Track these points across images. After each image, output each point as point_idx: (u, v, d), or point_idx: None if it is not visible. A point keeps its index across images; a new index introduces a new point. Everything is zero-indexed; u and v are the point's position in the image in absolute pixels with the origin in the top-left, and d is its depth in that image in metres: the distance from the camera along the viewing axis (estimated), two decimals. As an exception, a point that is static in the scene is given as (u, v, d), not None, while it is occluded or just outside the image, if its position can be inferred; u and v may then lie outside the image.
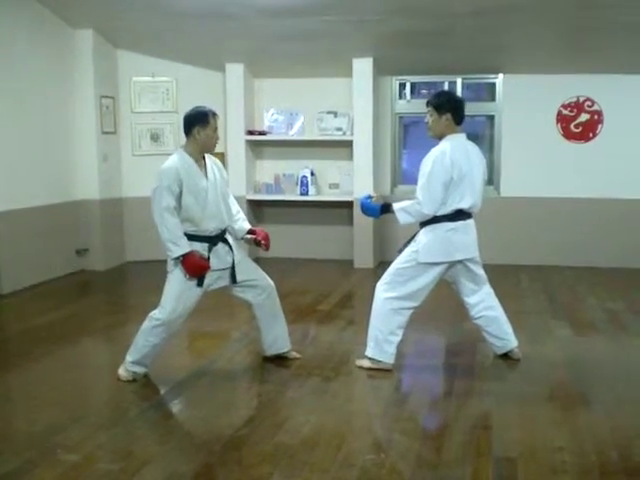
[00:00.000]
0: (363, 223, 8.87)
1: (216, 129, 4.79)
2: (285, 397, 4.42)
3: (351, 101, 8.91)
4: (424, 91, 9.76)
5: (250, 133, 9.26)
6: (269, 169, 9.54)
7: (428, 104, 4.90)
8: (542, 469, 3.45)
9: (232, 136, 9.23)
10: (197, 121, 4.69)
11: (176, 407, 4.34)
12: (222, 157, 9.38)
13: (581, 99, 8.90)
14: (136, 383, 4.66)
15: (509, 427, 3.98)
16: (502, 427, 3.97)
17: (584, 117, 8.91)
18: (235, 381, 4.84)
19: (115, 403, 4.43)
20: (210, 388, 4.61)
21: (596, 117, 8.89)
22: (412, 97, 9.48)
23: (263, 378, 4.85)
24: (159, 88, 9.21)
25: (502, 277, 8.35)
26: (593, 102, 8.88)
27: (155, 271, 8.76)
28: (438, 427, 4.02)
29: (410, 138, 9.97)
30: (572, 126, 8.94)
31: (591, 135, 8.94)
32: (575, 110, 8.92)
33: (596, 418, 4.11)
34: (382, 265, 9.11)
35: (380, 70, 9.04)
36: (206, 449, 3.64)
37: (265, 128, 9.40)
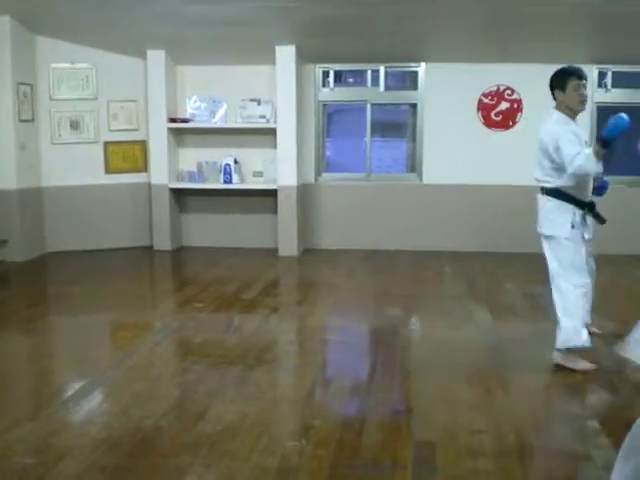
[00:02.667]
0: (287, 211, 8.89)
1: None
2: (206, 387, 4.38)
3: (274, 89, 8.87)
4: (350, 80, 9.80)
5: (172, 121, 9.14)
6: (192, 157, 9.42)
7: (583, 78, 4.73)
8: (461, 452, 3.49)
9: (154, 124, 9.10)
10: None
11: (95, 399, 4.25)
12: (144, 145, 9.28)
13: (501, 88, 9.06)
14: (54, 376, 4.56)
15: (430, 411, 4.02)
16: (423, 411, 4.02)
17: (504, 105, 9.08)
18: (156, 372, 4.76)
19: (33, 396, 4.33)
20: (130, 379, 4.53)
21: (516, 105, 9.06)
22: (335, 85, 9.49)
23: (184, 368, 4.80)
24: (79, 75, 8.97)
25: (424, 263, 8.49)
26: (513, 91, 9.05)
27: (76, 262, 8.67)
28: (359, 412, 4.03)
29: (334, 126, 10.00)
30: (492, 114, 9.09)
31: (511, 123, 9.11)
32: (495, 99, 9.08)
33: (515, 401, 4.19)
34: (306, 253, 9.15)
35: (303, 58, 9.03)
36: (126, 440, 3.57)
37: (188, 116, 9.29)
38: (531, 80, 8.95)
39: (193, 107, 9.30)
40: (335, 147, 10.10)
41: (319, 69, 9.38)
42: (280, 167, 8.89)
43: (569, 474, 3.29)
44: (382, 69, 9.26)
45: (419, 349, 5.21)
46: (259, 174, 9.33)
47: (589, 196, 4.84)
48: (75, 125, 8.98)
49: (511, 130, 9.12)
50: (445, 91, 9.11)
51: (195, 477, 3.20)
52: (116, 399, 4.23)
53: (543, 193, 4.91)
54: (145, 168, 9.36)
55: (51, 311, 6.52)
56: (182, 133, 9.44)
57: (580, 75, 4.69)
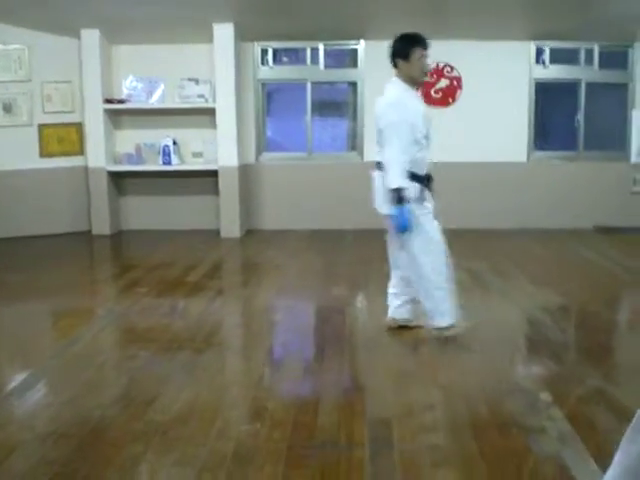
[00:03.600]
0: (229, 192, 8.79)
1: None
2: (155, 373, 4.29)
3: (213, 68, 8.73)
4: (285, 59, 9.70)
5: (108, 102, 8.94)
6: (129, 139, 9.24)
7: (426, 46, 4.62)
8: (415, 427, 3.49)
9: (90, 105, 8.89)
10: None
11: (40, 391, 4.10)
12: (80, 127, 9.04)
13: (440, 65, 9.08)
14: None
15: (382, 388, 4.01)
16: (375, 388, 4.01)
17: (444, 83, 9.12)
18: (101, 360, 4.64)
19: (-28, 389, 4.17)
20: (75, 368, 4.39)
21: (455, 83, 9.10)
22: (275, 63, 9.39)
23: (131, 354, 4.68)
24: (10, 56, 8.68)
25: (366, 240, 8.48)
26: (452, 68, 9.09)
27: (12, 249, 8.42)
28: (312, 392, 4.00)
29: (274, 105, 9.90)
30: (432, 92, 9.11)
31: (450, 100, 9.16)
32: (435, 76, 9.09)
33: (465, 375, 4.20)
34: (249, 234, 9.07)
35: (242, 36, 8.90)
36: (74, 432, 3.46)
37: (124, 96, 9.09)
38: (470, 57, 9.03)
39: (129, 87, 9.11)
40: (275, 126, 9.99)
41: (258, 47, 9.27)
42: (220, 147, 8.78)
43: (525, 446, 3.30)
44: (321, 47, 9.20)
45: (366, 327, 5.19)
46: (199, 155, 9.20)
47: (426, 169, 4.67)
48: (8, 108, 8.68)
49: (451, 107, 9.17)
50: (385, 69, 8.89)
51: (148, 465, 3.13)
52: (61, 389, 4.09)
53: (379, 169, 4.66)
54: (81, 151, 9.14)
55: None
56: (119, 114, 9.24)
57: (425, 45, 4.58)
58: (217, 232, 8.92)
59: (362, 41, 9.11)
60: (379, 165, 4.64)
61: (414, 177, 4.54)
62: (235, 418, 3.64)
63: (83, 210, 9.20)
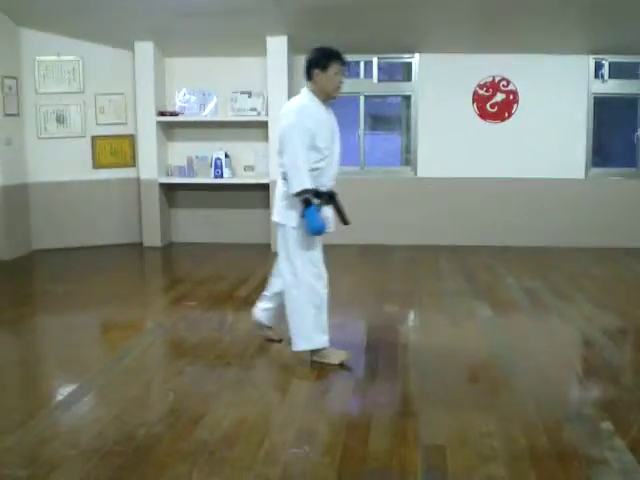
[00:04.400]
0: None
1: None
2: (202, 390, 4.21)
3: (266, 81, 8.69)
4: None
5: (161, 114, 8.95)
6: (181, 151, 9.23)
7: (345, 64, 4.58)
8: (471, 456, 3.34)
9: (142, 117, 8.91)
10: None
11: (86, 406, 4.05)
12: (132, 139, 9.08)
13: (497, 79, 8.91)
14: (42, 381, 4.38)
15: (435, 413, 3.86)
16: (428, 413, 3.86)
17: (500, 97, 8.93)
18: (149, 375, 4.58)
19: (21, 403, 4.12)
20: (122, 383, 4.34)
21: (511, 97, 8.92)
22: (328, 77, 9.30)
23: (179, 370, 4.60)
24: (65, 68, 8.76)
25: (421, 258, 8.34)
26: (508, 82, 8.91)
27: (63, 259, 8.47)
28: (363, 416, 3.87)
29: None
30: (488, 106, 8.94)
31: (506, 115, 8.97)
32: (491, 90, 8.93)
33: (522, 401, 4.04)
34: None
35: (295, 49, 8.84)
36: (119, 450, 3.39)
37: (177, 109, 9.10)
38: (527, 71, 8.84)
39: (182, 100, 9.11)
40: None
41: (311, 60, 9.19)
42: (272, 161, 8.70)
43: (586, 479, 3.14)
44: (375, 60, 9.10)
45: (419, 347, 5.05)
46: (250, 168, 9.15)
47: (328, 185, 4.58)
48: (61, 119, 8.76)
49: (507, 122, 8.98)
50: (440, 82, 8.95)
51: (194, 488, 3.04)
52: (108, 405, 4.03)
53: (282, 178, 4.56)
54: (134, 163, 9.17)
55: (38, 311, 6.31)
56: (171, 127, 9.25)
57: (343, 61, 4.53)
58: (268, 246, 8.85)
59: (417, 54, 8.99)
60: (284, 175, 4.52)
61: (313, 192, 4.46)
62: (283, 440, 3.52)
63: (134, 222, 9.22)
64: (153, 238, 9.14)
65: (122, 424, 3.70)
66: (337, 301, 6.55)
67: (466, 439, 3.52)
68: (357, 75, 9.27)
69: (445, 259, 8.22)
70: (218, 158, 8.85)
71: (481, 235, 8.99)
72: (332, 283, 7.14)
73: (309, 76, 4.53)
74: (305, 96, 4.55)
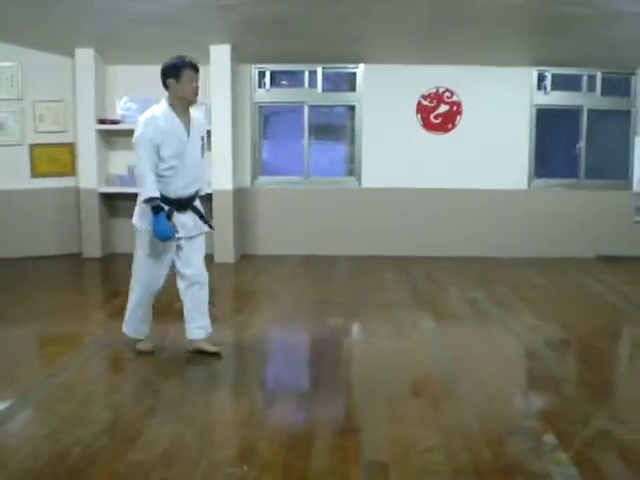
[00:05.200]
0: (223, 216, 8.63)
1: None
2: (139, 407, 4.08)
3: (209, 90, 8.58)
4: (283, 81, 9.58)
5: (102, 122, 8.79)
6: (122, 160, 9.05)
7: (197, 70, 4.78)
8: (414, 472, 3.30)
9: (82, 125, 8.76)
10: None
11: (17, 424, 3.90)
12: (71, 148, 8.89)
13: (440, 90, 8.97)
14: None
15: (378, 428, 3.81)
16: (371, 429, 3.81)
17: (443, 108, 8.99)
18: (85, 391, 4.42)
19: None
20: (57, 400, 4.18)
21: (455, 108, 8.98)
22: (272, 86, 9.26)
23: (116, 387, 4.48)
24: (3, 74, 8.55)
25: (364, 268, 8.32)
26: (452, 93, 8.97)
27: (3, 270, 8.22)
28: (305, 432, 3.79)
29: (270, 128, 9.76)
30: (432, 117, 8.99)
31: (450, 126, 9.02)
32: (435, 101, 8.97)
33: (465, 415, 4.01)
34: (244, 259, 8.89)
35: (239, 58, 8.77)
36: (52, 471, 3.26)
37: (118, 117, 8.94)
38: (470, 83, 8.92)
39: (123, 108, 8.97)
40: (272, 150, 9.85)
41: (255, 70, 9.15)
42: (215, 171, 8.61)
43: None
44: (320, 70, 9.09)
45: (362, 361, 5.00)
46: (193, 178, 9.02)
47: (178, 193, 4.80)
48: (-1, 126, 8.54)
49: (450, 133, 9.03)
50: (384, 93, 8.97)
51: (127, 512, 2.93)
52: (42, 423, 3.88)
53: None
54: (73, 172, 8.99)
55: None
56: (112, 135, 9.07)
57: (195, 67, 4.74)
58: (210, 257, 8.72)
59: (361, 64, 8.99)
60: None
61: (161, 198, 4.71)
62: (222, 459, 3.42)
63: (73, 232, 9.02)
64: (93, 249, 8.95)
65: (56, 443, 3.56)
66: (279, 312, 6.50)
67: (409, 454, 3.48)
68: (302, 84, 9.24)
69: (389, 270, 8.21)
70: (160, 167, 8.70)
71: (425, 246, 9.01)
72: (273, 293, 7.13)
73: (165, 86, 4.74)
74: (160, 106, 4.74)
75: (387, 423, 3.88)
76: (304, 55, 8.78)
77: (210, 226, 5.14)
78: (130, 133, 8.74)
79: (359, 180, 9.22)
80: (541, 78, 9.06)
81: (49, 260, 8.74)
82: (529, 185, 9.19)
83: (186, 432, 3.71)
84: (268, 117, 9.63)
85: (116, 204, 9.24)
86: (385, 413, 4.03)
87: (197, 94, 4.78)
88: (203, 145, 4.98)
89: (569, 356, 5.44)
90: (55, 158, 8.87)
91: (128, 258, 8.81)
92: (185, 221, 4.86)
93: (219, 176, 8.59)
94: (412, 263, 8.55)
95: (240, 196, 8.99)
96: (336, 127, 9.93)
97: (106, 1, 7.22)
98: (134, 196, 8.80)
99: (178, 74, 4.67)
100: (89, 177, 8.82)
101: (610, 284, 7.62)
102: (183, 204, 4.83)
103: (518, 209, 9.10)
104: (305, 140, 9.23)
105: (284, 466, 3.32)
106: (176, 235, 4.77)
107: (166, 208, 4.72)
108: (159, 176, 4.71)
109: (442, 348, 5.36)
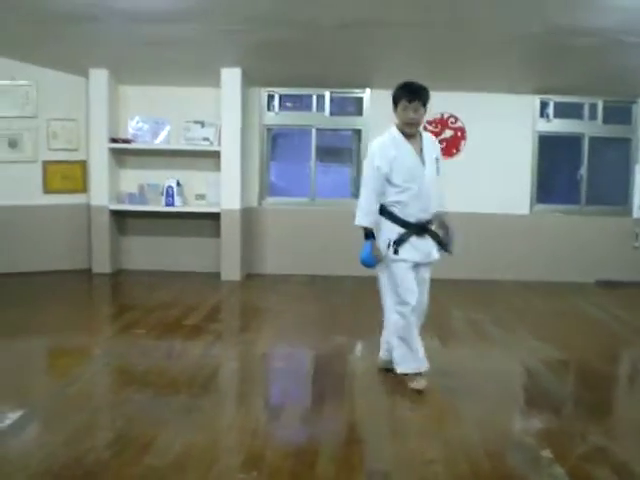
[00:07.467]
0: (230, 235, 8.78)
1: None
2: (151, 416, 4.23)
3: (219, 111, 8.78)
4: (288, 104, 9.76)
5: (114, 141, 8.97)
6: (133, 179, 9.26)
7: (416, 100, 4.77)
8: (415, 482, 3.43)
9: (95, 144, 8.93)
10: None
11: (32, 432, 4.03)
12: (84, 165, 9.07)
13: (445, 116, 9.14)
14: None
15: (381, 440, 3.95)
16: (374, 440, 3.95)
17: (448, 133, 9.15)
18: (97, 402, 4.58)
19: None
20: (70, 410, 4.32)
21: (459, 134, 9.15)
22: (280, 109, 9.45)
23: (127, 397, 4.61)
24: (18, 92, 8.74)
25: (369, 289, 8.43)
26: (457, 119, 9.14)
27: (11, 285, 8.37)
28: (310, 442, 3.93)
29: (278, 150, 9.94)
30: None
31: (455, 151, 9.18)
32: (439, 126, 9.14)
33: (466, 428, 4.14)
34: (249, 278, 9.03)
35: (249, 81, 8.97)
36: (67, 475, 3.40)
37: (129, 136, 9.13)
38: (475, 109, 9.08)
39: (135, 128, 9.15)
40: (279, 171, 10.03)
41: (264, 93, 9.33)
42: (223, 190, 8.79)
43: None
44: (327, 94, 9.27)
45: (366, 376, 5.14)
46: (202, 197, 9.21)
47: (417, 216, 4.79)
48: (13, 144, 8.71)
49: (455, 158, 9.19)
50: (389, 118, 8.99)
51: (142, 513, 3.06)
52: (55, 432, 4.01)
53: None
54: (85, 189, 9.16)
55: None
56: (123, 154, 9.26)
57: (409, 98, 4.76)
58: (217, 275, 8.89)
59: (368, 89, 9.18)
60: None
61: (396, 220, 4.74)
62: (232, 466, 3.57)
63: (84, 248, 9.17)
64: (102, 265, 9.10)
65: (70, 450, 3.70)
66: (286, 330, 6.64)
67: (411, 465, 3.61)
68: (310, 108, 9.42)
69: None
70: (170, 186, 8.89)
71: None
72: (281, 313, 7.27)
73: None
74: (386, 136, 4.83)
75: (391, 436, 4.02)
76: (312, 79, 8.96)
77: (447, 250, 5.08)
78: (141, 152, 9.11)
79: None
80: (544, 106, 9.25)
81: (60, 275, 8.89)
82: (531, 210, 9.35)
83: (197, 440, 3.85)
84: (276, 139, 9.81)
85: (126, 221, 9.41)
86: (389, 426, 4.17)
87: (410, 125, 4.77)
88: (438, 167, 4.91)
89: (567, 376, 5.57)
90: (67, 175, 9.05)
91: (136, 274, 9.09)
92: (421, 246, 4.87)
93: (227, 196, 8.76)
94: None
95: (247, 216, 9.16)
96: (342, 150, 10.11)
97: (121, 25, 7.43)
98: (144, 214, 9.14)
99: (397, 102, 4.83)
100: (100, 194, 8.98)
101: (609, 308, 7.75)
102: (424, 229, 4.84)
103: (520, 233, 9.24)
104: (312, 162, 9.40)
105: (291, 473, 3.46)
106: (373, 265, 4.81)
107: (394, 231, 4.73)
108: (396, 201, 4.72)
109: (445, 365, 5.48)
